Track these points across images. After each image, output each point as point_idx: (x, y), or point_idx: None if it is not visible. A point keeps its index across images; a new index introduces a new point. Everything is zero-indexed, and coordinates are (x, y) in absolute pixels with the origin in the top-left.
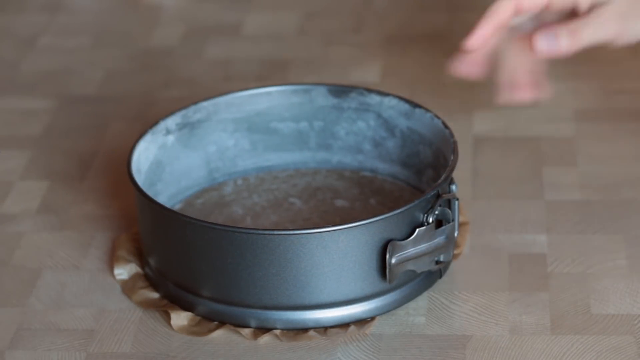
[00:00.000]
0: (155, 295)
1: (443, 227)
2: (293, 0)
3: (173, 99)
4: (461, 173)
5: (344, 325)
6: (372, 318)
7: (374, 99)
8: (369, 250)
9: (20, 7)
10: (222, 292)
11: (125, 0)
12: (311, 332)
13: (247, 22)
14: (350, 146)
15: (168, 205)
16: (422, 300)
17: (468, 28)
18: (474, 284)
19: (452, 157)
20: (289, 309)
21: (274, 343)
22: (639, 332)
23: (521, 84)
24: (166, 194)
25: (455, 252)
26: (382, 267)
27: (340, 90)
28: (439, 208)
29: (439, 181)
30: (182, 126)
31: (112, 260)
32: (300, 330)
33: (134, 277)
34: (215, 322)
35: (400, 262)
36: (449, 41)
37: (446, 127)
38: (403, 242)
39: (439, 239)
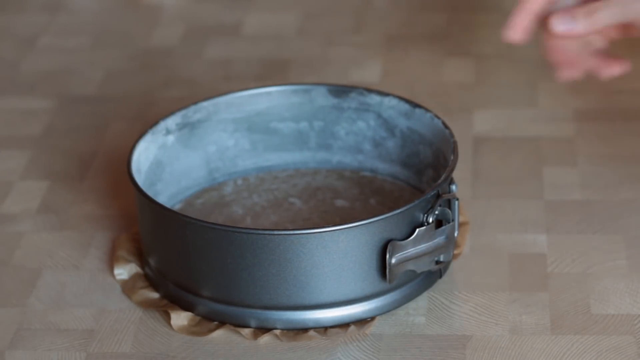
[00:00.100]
0: (155, 295)
1: (443, 227)
2: (293, 0)
3: (173, 99)
4: (461, 173)
5: (344, 325)
6: (372, 318)
7: (374, 99)
8: (369, 250)
9: (20, 7)
10: (222, 292)
11: (125, 0)
12: (311, 332)
13: (247, 22)
14: (350, 146)
15: (168, 205)
16: (422, 300)
17: (468, 28)
18: (474, 284)
19: (452, 157)
20: (289, 309)
21: (274, 343)
22: (639, 332)
23: (574, 62)
24: (166, 194)
25: (455, 252)
26: (382, 267)
27: (340, 90)
28: (439, 208)
29: (439, 181)
30: (182, 126)
31: (112, 260)
32: (300, 330)
33: (134, 277)
34: (215, 322)
35: (400, 262)
36: (449, 41)
37: (446, 127)
38: (403, 242)
39: (439, 239)
